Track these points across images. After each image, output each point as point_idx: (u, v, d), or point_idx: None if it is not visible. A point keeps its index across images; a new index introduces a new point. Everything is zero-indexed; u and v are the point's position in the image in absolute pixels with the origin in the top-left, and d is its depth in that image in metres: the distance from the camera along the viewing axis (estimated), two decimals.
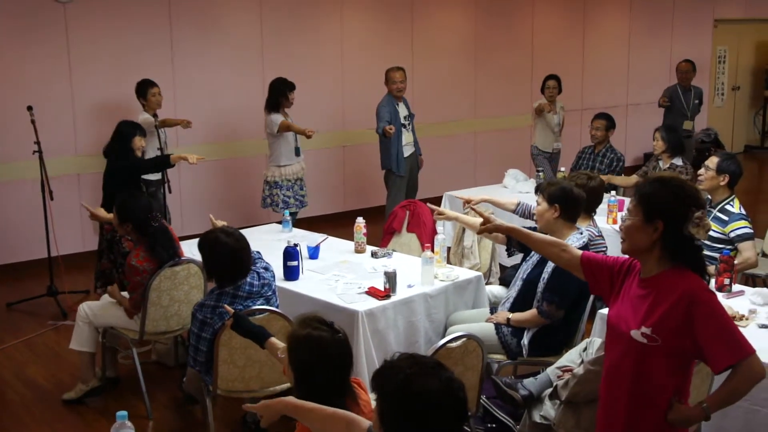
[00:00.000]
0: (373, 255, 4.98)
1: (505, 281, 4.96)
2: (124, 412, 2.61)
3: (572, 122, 9.51)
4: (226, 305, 3.58)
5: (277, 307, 3.91)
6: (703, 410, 2.60)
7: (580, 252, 2.91)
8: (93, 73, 7.38)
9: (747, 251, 4.74)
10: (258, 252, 4.08)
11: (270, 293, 3.91)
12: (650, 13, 12.24)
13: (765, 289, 4.24)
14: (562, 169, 7.30)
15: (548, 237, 3.13)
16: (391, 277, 4.24)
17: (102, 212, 5.24)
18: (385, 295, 4.20)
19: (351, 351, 2.74)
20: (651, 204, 2.62)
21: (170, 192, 6.45)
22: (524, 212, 5.21)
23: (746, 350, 2.53)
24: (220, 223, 4.41)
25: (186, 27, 7.88)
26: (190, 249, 4.69)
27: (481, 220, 3.30)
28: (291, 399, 2.57)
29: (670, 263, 2.63)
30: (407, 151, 7.51)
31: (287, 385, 3.69)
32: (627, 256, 2.78)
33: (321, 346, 2.63)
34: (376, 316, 4.11)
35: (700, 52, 12.29)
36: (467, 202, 5.07)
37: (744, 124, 14.20)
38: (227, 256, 3.74)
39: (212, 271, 3.85)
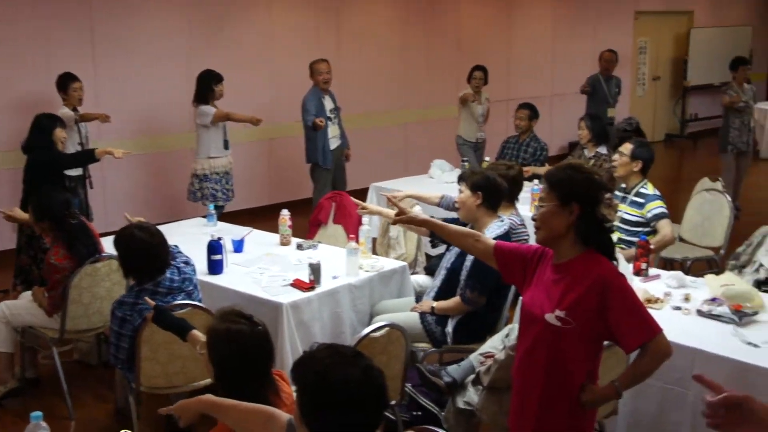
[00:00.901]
0: (299, 247, 4.97)
1: (430, 270, 5.01)
2: (39, 413, 2.56)
3: (497, 112, 9.61)
4: (147, 298, 3.53)
5: (199, 301, 3.87)
6: (615, 388, 2.70)
7: (494, 242, 2.97)
8: (10, 66, 7.14)
9: (664, 228, 4.85)
10: (175, 246, 4.02)
11: (191, 288, 3.86)
12: (574, 4, 12.45)
13: (680, 272, 4.38)
14: (487, 158, 7.38)
15: (462, 228, 3.17)
16: (315, 269, 4.23)
17: (18, 213, 5.08)
18: (309, 286, 4.19)
19: (271, 343, 2.74)
20: (566, 188, 2.70)
21: (92, 187, 6.31)
22: (448, 205, 5.25)
23: (655, 330, 2.65)
24: (135, 220, 4.33)
25: (107, 18, 7.67)
26: (113, 246, 4.60)
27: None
28: (209, 397, 2.55)
29: (582, 247, 2.71)
30: (333, 143, 7.49)
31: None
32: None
33: (240, 340, 2.61)
34: (301, 308, 4.11)
35: (622, 43, 12.54)
36: (390, 200, 5.07)
37: (665, 113, 14.59)
38: (143, 252, 3.68)
39: (129, 268, 3.78)
